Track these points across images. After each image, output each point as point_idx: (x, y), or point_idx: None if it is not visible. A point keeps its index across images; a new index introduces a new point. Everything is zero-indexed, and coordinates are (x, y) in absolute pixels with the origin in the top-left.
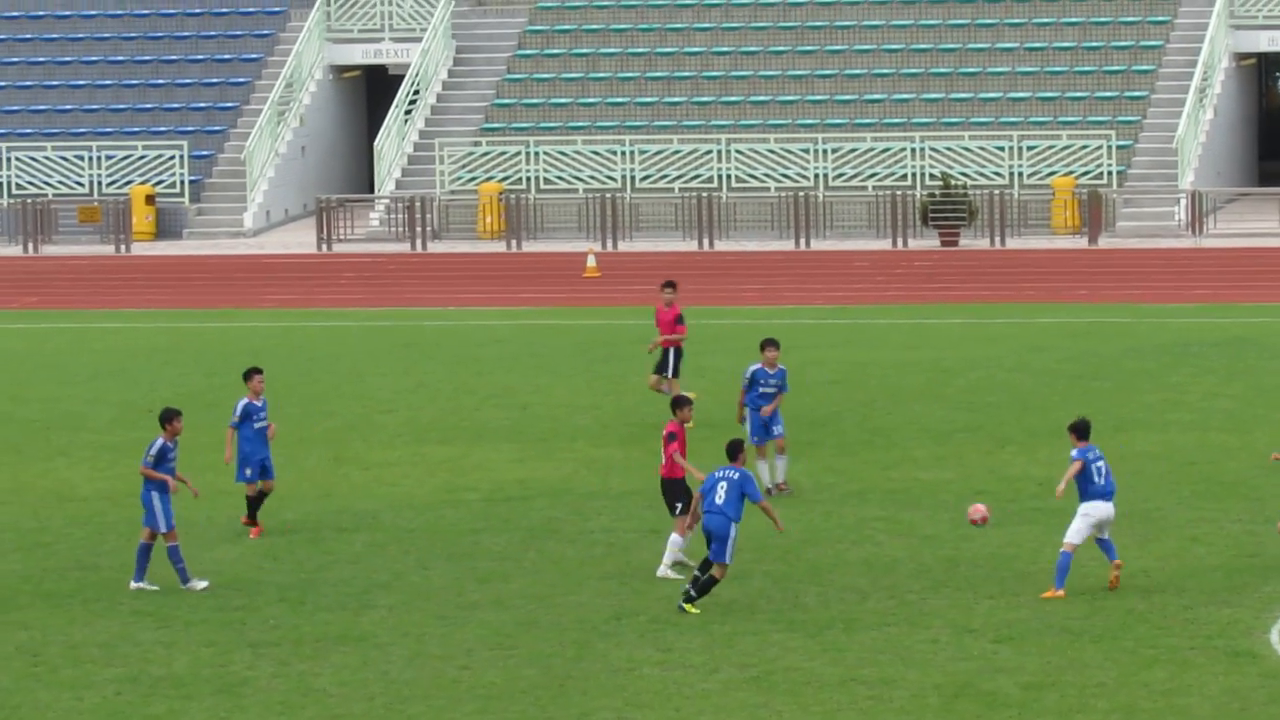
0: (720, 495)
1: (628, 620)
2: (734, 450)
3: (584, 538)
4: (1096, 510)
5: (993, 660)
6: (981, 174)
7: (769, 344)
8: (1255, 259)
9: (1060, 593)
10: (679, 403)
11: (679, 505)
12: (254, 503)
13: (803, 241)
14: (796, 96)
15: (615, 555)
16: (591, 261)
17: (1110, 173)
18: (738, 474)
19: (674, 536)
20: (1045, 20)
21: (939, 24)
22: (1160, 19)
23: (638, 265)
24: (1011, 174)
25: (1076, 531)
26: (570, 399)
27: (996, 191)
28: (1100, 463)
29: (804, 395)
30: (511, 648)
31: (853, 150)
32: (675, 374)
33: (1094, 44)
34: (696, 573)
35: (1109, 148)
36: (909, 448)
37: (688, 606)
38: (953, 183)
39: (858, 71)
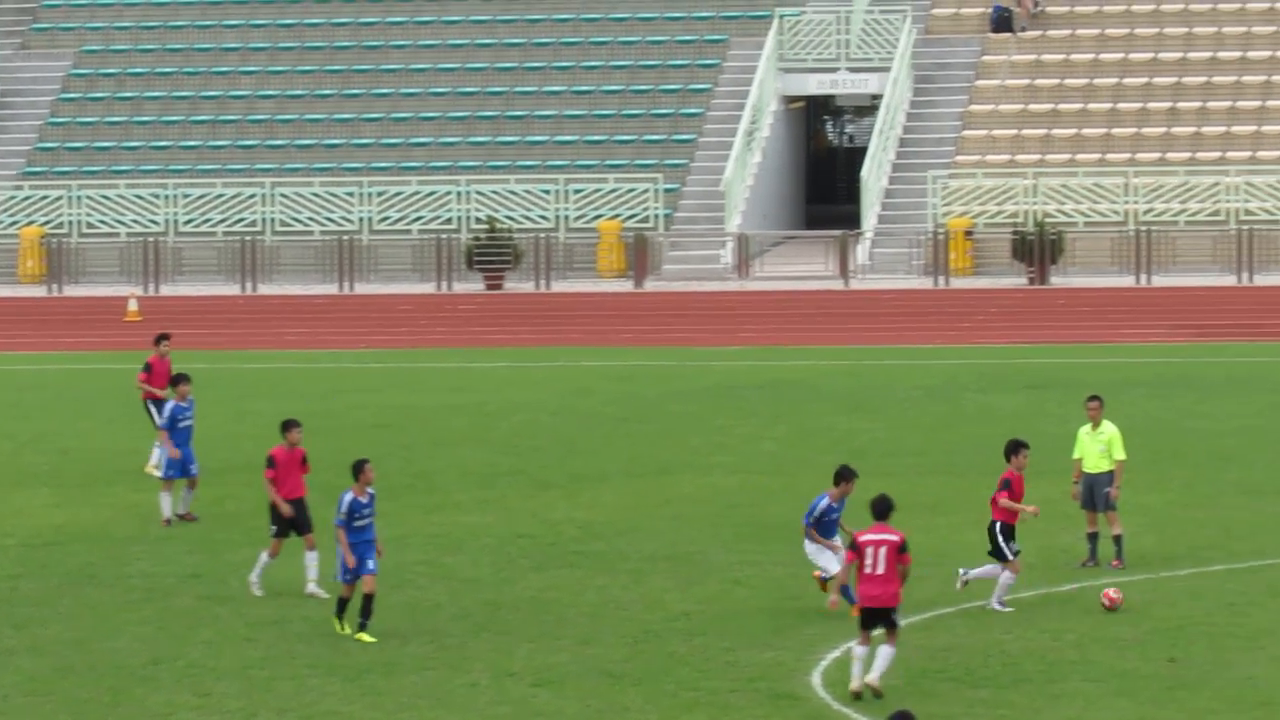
0: None
1: (165, 665)
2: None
3: (122, 582)
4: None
5: (532, 704)
6: (528, 217)
7: (180, 379)
8: (801, 302)
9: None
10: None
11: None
12: None
13: (346, 285)
14: (342, 140)
15: (154, 600)
16: (133, 305)
17: (657, 216)
18: None
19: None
20: (593, 63)
21: (486, 67)
22: (709, 62)
23: (180, 309)
24: (558, 217)
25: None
26: (110, 444)
27: (542, 235)
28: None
29: (345, 439)
30: (47, 694)
31: (398, 194)
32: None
33: (642, 87)
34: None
35: (656, 191)
36: (451, 491)
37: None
38: (498, 226)
39: (404, 115)
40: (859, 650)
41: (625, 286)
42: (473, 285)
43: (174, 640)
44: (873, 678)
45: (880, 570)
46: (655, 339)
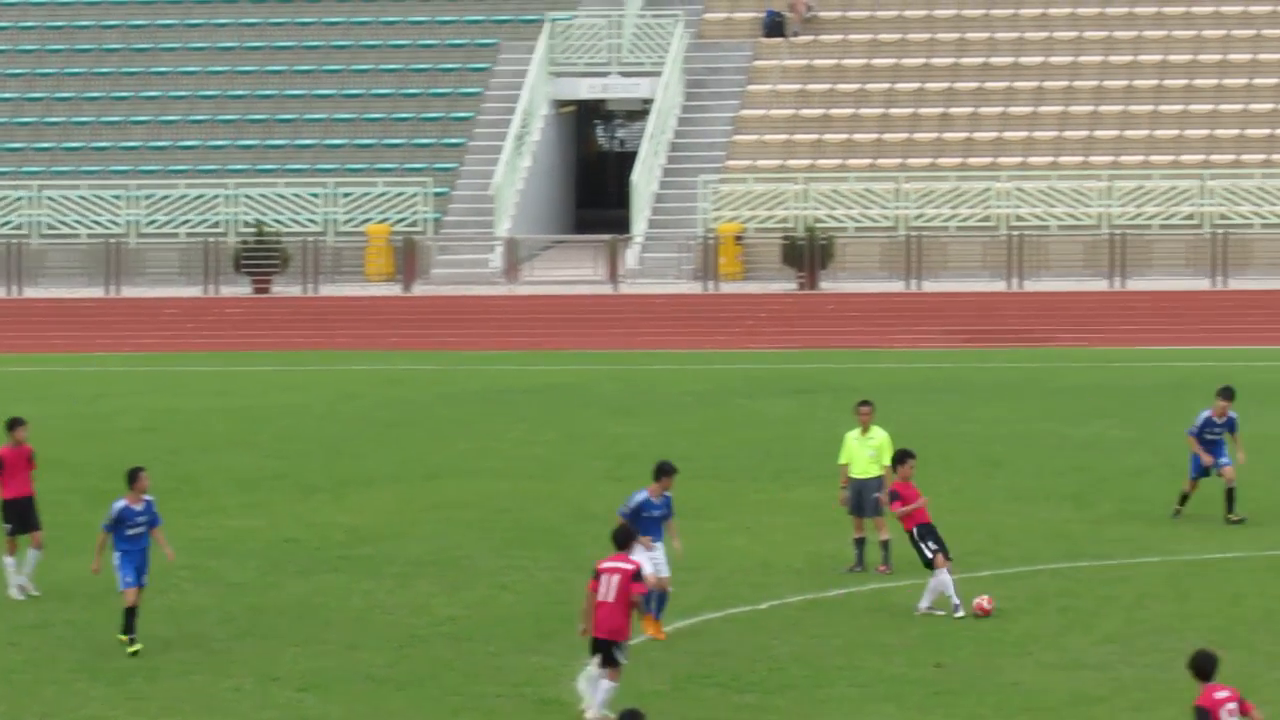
0: None
1: None
2: None
3: None
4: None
5: (298, 709)
6: (296, 221)
7: None
8: (571, 306)
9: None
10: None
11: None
12: None
13: (113, 288)
14: (110, 143)
15: None
16: None
17: (427, 220)
18: None
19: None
20: (363, 67)
21: (256, 70)
22: (480, 66)
23: None
24: (326, 221)
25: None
26: None
27: (311, 239)
28: None
29: (111, 443)
30: None
31: (165, 197)
32: None
33: (412, 91)
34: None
35: (425, 195)
36: (217, 495)
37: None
38: (266, 230)
39: (172, 118)
40: (593, 671)
41: (394, 290)
42: (240, 289)
43: None
44: (591, 715)
45: (611, 598)
46: (424, 343)
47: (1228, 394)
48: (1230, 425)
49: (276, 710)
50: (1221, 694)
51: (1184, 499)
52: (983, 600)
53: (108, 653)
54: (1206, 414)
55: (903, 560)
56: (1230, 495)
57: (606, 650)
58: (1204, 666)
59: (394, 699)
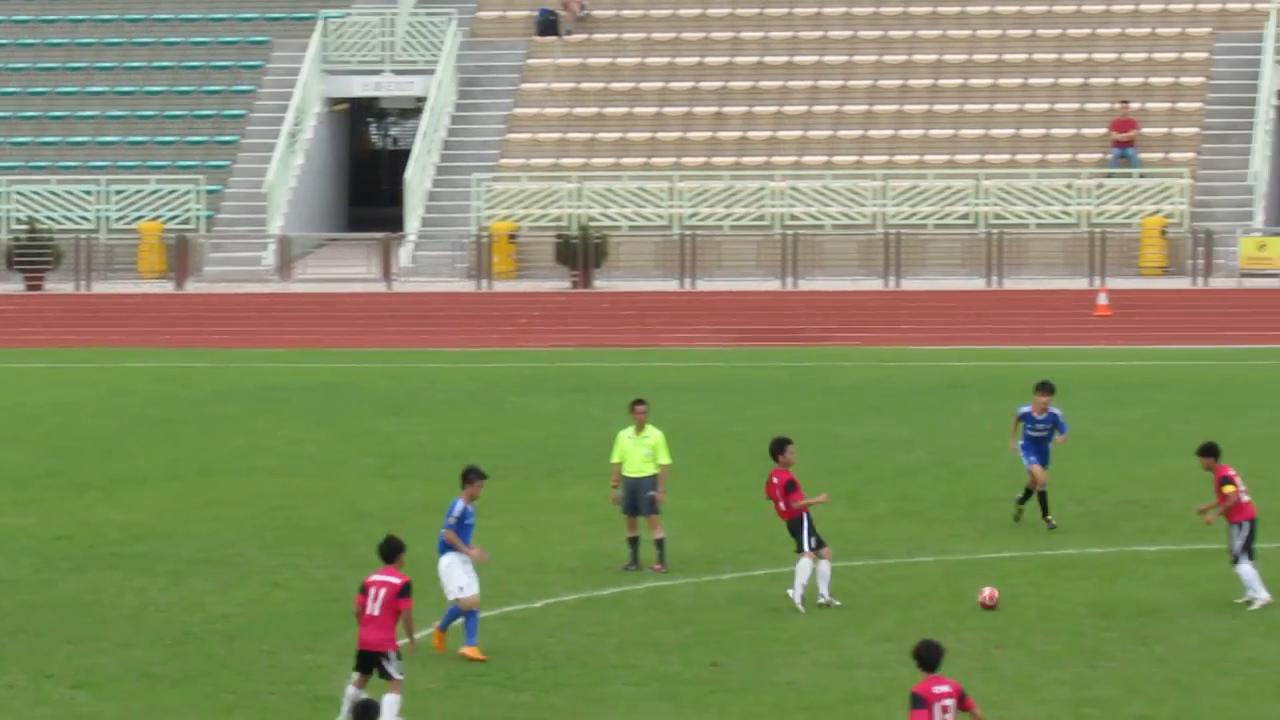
0: None
1: None
2: None
3: None
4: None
5: (71, 706)
6: (69, 218)
7: None
8: (344, 304)
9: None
10: None
11: None
12: None
13: None
14: None
15: None
16: None
17: (199, 217)
18: None
19: None
20: (136, 64)
21: (28, 67)
22: (253, 64)
23: None
24: (99, 218)
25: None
26: None
27: (84, 236)
28: None
29: None
30: None
31: None
32: None
33: (185, 88)
34: None
35: (198, 192)
36: None
37: None
38: (38, 227)
39: None
40: (351, 691)
41: (166, 288)
42: (13, 286)
43: None
44: None
45: (377, 613)
46: (197, 340)
47: (1047, 389)
48: (1053, 421)
49: (50, 707)
50: (941, 688)
51: (1027, 495)
52: (985, 593)
53: None
54: (1025, 409)
55: (678, 559)
56: (1042, 498)
57: (376, 664)
58: (928, 656)
59: (168, 696)
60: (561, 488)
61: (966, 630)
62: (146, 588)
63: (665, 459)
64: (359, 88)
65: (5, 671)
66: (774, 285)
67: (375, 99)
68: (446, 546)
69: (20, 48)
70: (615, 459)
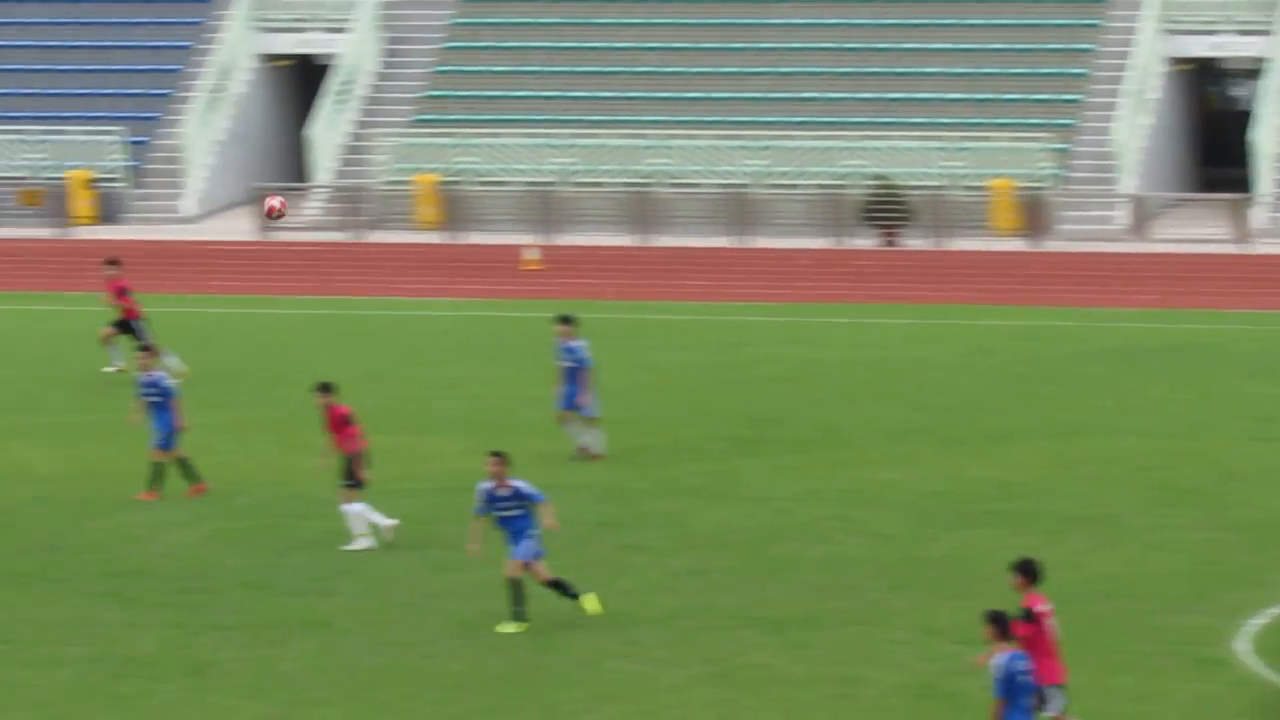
0: None
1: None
2: None
3: None
4: None
5: (957, 662)
6: (916, 174)
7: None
8: (1200, 264)
9: None
10: None
11: None
12: None
13: (738, 239)
14: (729, 94)
15: (571, 549)
16: (533, 254)
17: (1050, 175)
18: None
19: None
20: (976, 20)
21: (869, 23)
22: (1091, 22)
23: (577, 257)
24: (948, 175)
25: None
26: (519, 390)
27: (934, 192)
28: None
29: (751, 391)
30: (473, 637)
31: (788, 149)
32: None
33: (1025, 46)
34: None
35: (1045, 150)
36: (861, 447)
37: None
38: (890, 183)
39: (789, 70)
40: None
41: (1018, 245)
42: (867, 241)
43: (598, 588)
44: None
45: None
46: (1053, 299)
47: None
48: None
49: (937, 663)
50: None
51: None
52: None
53: (763, 600)
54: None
55: None
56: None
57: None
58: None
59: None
60: None
61: None
62: (1023, 546)
63: None
64: (1199, 48)
65: (891, 625)
66: None
67: (1215, 59)
68: None
69: (861, 4)
70: None
